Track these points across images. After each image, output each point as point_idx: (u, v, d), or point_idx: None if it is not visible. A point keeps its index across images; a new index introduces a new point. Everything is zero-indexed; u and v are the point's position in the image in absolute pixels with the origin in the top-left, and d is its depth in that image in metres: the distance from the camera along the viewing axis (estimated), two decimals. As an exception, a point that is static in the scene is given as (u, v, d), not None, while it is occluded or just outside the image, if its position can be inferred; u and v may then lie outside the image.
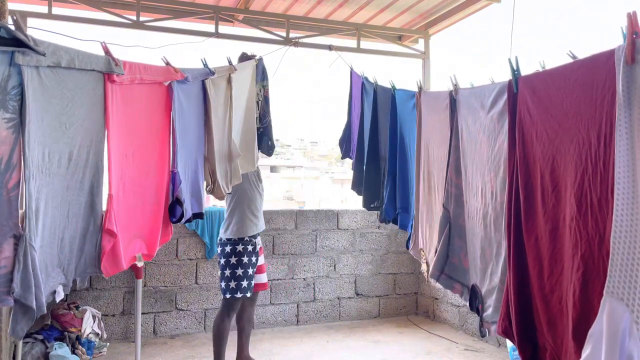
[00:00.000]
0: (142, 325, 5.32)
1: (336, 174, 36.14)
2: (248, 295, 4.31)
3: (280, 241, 6.20)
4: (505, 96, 2.70)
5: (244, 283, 4.23)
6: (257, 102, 4.80)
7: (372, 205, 5.05)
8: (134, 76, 3.04)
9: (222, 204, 5.51)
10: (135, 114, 3.14)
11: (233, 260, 4.23)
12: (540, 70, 2.58)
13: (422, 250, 3.77)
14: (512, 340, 2.58)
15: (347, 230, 6.52)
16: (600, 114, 2.06)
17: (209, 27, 6.11)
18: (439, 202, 3.42)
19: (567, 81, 2.26)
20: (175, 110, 3.43)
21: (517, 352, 2.61)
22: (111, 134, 2.86)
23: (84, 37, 4.32)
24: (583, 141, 2.15)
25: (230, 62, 4.19)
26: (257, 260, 4.37)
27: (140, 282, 4.75)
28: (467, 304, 3.09)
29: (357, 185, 5.34)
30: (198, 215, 3.72)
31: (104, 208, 2.86)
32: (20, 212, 2.29)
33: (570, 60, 2.31)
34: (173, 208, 3.45)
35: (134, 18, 5.66)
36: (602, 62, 2.04)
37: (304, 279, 6.30)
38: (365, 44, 6.67)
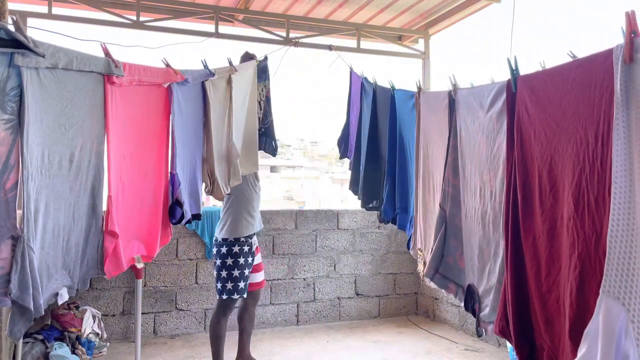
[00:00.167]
0: (142, 325, 5.32)
1: (336, 174, 36.12)
2: (244, 295, 4.31)
3: (280, 241, 6.20)
4: (504, 96, 2.70)
5: (241, 284, 4.23)
6: (260, 102, 4.80)
7: (370, 205, 5.05)
8: (134, 78, 3.04)
9: (221, 204, 5.51)
10: (135, 116, 3.14)
11: (229, 261, 4.23)
12: (540, 70, 2.58)
13: (420, 250, 3.77)
14: (509, 339, 2.58)
15: (347, 230, 6.52)
16: (598, 113, 2.06)
17: (209, 27, 6.12)
18: (437, 202, 3.42)
19: (565, 80, 2.26)
20: (175, 112, 3.43)
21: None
22: (111, 136, 2.86)
23: (84, 37, 4.33)
24: (581, 140, 2.15)
25: (230, 63, 4.19)
26: (253, 260, 4.37)
27: (140, 282, 4.76)
28: (462, 304, 3.09)
29: (354, 185, 5.35)
30: (196, 217, 3.72)
31: (104, 209, 2.87)
32: (19, 213, 2.29)
33: (570, 60, 2.31)
34: (173, 209, 3.45)
35: (134, 18, 5.66)
36: (601, 62, 2.04)
37: (304, 279, 6.30)
38: (365, 44, 6.68)
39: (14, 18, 2.23)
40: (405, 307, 6.75)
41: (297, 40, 6.24)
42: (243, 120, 4.38)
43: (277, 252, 6.18)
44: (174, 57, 3.47)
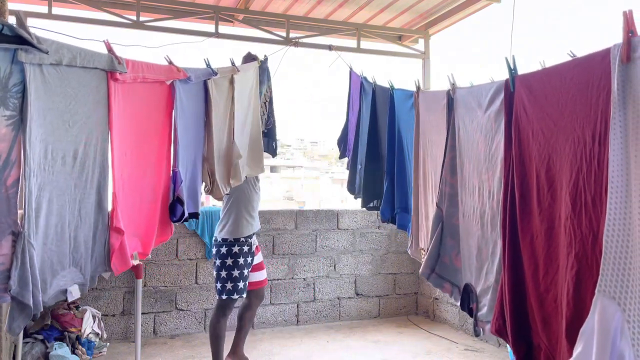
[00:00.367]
0: (142, 325, 5.32)
1: (336, 174, 36.10)
2: (244, 295, 4.31)
3: (280, 241, 6.20)
4: (502, 95, 2.70)
5: (240, 284, 4.24)
6: (265, 104, 4.82)
7: (370, 205, 5.05)
8: (137, 74, 3.05)
9: (221, 204, 5.52)
10: (137, 113, 3.16)
11: (229, 261, 4.23)
12: (538, 69, 2.58)
13: (422, 249, 3.77)
14: (505, 339, 2.58)
15: (347, 230, 6.52)
16: (595, 112, 2.06)
17: (209, 27, 6.12)
18: (435, 202, 3.43)
19: (563, 80, 2.26)
20: (177, 110, 3.44)
21: (516, 352, 2.61)
22: (114, 132, 2.88)
23: (84, 37, 4.33)
24: (578, 140, 2.16)
25: (233, 63, 4.21)
26: (252, 260, 4.38)
27: (140, 282, 4.76)
28: (458, 303, 3.10)
29: (351, 185, 5.35)
30: (193, 215, 3.72)
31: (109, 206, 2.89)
32: (20, 209, 2.30)
33: (568, 59, 2.31)
34: (174, 207, 3.45)
35: (134, 18, 5.67)
36: (598, 61, 2.04)
37: (304, 279, 6.30)
38: (365, 44, 6.67)
39: (18, 15, 2.23)
40: (405, 307, 6.75)
41: (297, 40, 6.24)
42: (247, 121, 4.39)
43: (277, 252, 6.18)
44: (174, 57, 3.48)
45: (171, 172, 3.44)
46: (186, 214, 3.53)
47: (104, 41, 2.84)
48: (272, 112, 4.96)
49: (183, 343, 5.51)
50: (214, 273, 4.33)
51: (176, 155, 3.44)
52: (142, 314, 5.45)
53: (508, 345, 4.55)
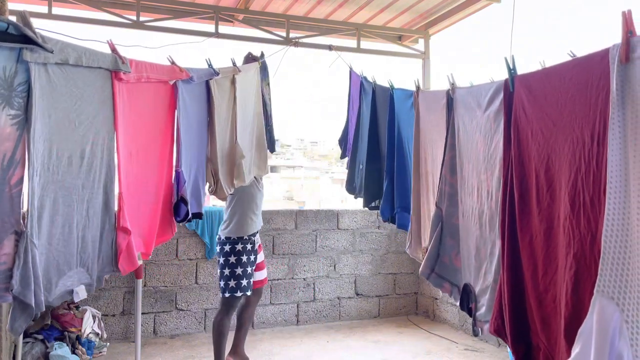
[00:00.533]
0: (142, 325, 5.32)
1: (336, 174, 36.08)
2: (248, 293, 4.32)
3: (280, 241, 6.20)
4: (501, 95, 2.70)
5: (244, 282, 4.25)
6: (269, 99, 4.83)
7: (372, 205, 5.05)
8: (140, 74, 3.06)
9: (221, 204, 5.52)
10: (141, 112, 3.17)
11: (232, 259, 4.24)
12: (537, 69, 2.58)
13: (424, 248, 3.77)
14: (504, 339, 2.58)
15: (347, 230, 6.53)
16: (594, 112, 2.06)
17: (209, 27, 6.12)
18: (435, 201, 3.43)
19: (562, 80, 2.26)
20: (180, 109, 3.45)
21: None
22: (119, 132, 2.89)
23: (84, 37, 4.33)
24: (577, 140, 2.16)
25: (234, 63, 4.22)
26: (255, 258, 4.40)
27: (140, 282, 4.76)
28: (457, 303, 3.10)
29: (349, 184, 5.35)
30: (197, 215, 3.73)
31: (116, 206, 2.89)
32: (23, 209, 2.30)
33: (568, 59, 2.31)
34: (178, 207, 3.45)
35: (134, 18, 5.67)
36: (597, 61, 2.04)
37: (304, 279, 6.30)
38: (365, 44, 6.68)
39: (23, 14, 2.23)
40: (405, 307, 6.75)
41: (297, 40, 6.24)
42: (250, 121, 4.40)
43: (277, 252, 6.18)
44: (174, 57, 3.49)
45: (174, 172, 3.44)
46: (190, 214, 3.54)
47: (107, 41, 2.85)
48: (270, 108, 4.96)
49: (183, 343, 5.52)
50: (218, 271, 4.34)
51: (179, 155, 3.45)
52: (142, 314, 5.45)
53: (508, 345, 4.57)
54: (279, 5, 6.08)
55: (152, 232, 3.35)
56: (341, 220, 6.50)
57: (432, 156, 3.61)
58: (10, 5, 3.81)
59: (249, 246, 4.31)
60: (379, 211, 4.87)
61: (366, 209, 5.27)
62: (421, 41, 6.94)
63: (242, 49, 4.78)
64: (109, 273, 2.86)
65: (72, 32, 4.37)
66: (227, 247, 4.27)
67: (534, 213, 2.41)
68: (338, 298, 6.45)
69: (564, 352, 2.10)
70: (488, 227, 2.81)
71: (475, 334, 2.92)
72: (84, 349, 4.76)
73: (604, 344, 1.78)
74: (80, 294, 2.64)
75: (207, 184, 3.87)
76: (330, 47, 6.35)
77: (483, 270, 2.85)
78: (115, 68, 2.79)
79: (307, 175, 37.27)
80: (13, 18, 2.26)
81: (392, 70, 6.50)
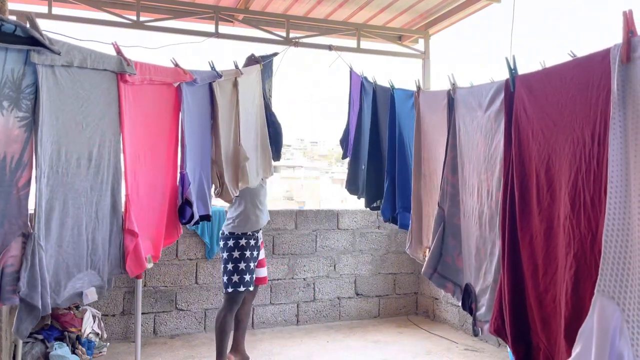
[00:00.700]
0: (142, 325, 5.32)
1: (336, 174, 36.05)
2: (251, 288, 4.35)
3: (280, 241, 6.20)
4: (502, 95, 2.70)
5: (247, 277, 4.27)
6: (270, 98, 4.84)
7: (374, 205, 5.05)
8: (145, 76, 3.07)
9: (222, 204, 5.52)
10: (146, 114, 3.17)
11: (236, 254, 4.27)
12: (538, 69, 2.58)
13: (427, 248, 3.76)
14: (504, 339, 2.58)
15: (347, 230, 6.52)
16: (595, 112, 2.06)
17: (209, 27, 6.12)
18: (436, 201, 3.43)
19: (563, 80, 2.26)
20: (184, 112, 3.46)
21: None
22: (125, 134, 2.89)
23: (85, 37, 4.33)
24: (578, 140, 2.16)
25: (236, 66, 4.23)
26: (258, 254, 4.43)
27: (140, 282, 4.75)
28: (460, 303, 3.10)
29: (350, 184, 5.35)
30: (204, 217, 3.73)
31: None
32: (30, 211, 2.29)
33: (569, 59, 2.31)
34: (183, 209, 3.46)
35: (134, 18, 5.67)
36: (598, 61, 2.04)
37: (304, 279, 6.30)
38: (365, 44, 6.68)
39: (30, 16, 2.24)
40: (405, 307, 6.74)
41: (297, 40, 6.24)
42: (253, 123, 4.41)
43: (277, 252, 6.18)
44: (174, 57, 3.49)
45: (179, 174, 3.45)
46: (196, 216, 3.54)
47: (112, 43, 2.86)
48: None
49: (183, 343, 5.51)
50: (221, 267, 4.37)
51: (183, 157, 3.46)
52: (142, 314, 5.45)
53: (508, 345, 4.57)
54: (279, 5, 6.07)
55: (160, 234, 3.36)
56: (341, 220, 6.50)
57: (433, 156, 3.61)
58: (10, 5, 3.81)
59: (252, 242, 4.35)
60: (379, 211, 4.88)
61: (366, 208, 5.27)
62: (421, 41, 6.94)
63: (242, 49, 4.79)
64: (117, 275, 2.87)
65: (72, 33, 4.36)
66: (230, 242, 4.29)
67: (534, 213, 2.41)
68: (338, 298, 6.45)
69: (564, 351, 2.10)
70: (488, 227, 2.81)
71: (476, 334, 2.92)
72: (84, 349, 4.75)
73: (604, 343, 1.77)
74: (90, 296, 2.65)
75: (213, 186, 3.89)
76: (330, 47, 6.35)
77: (483, 270, 2.85)
78: (120, 70, 2.80)
79: (307, 175, 37.24)
80: (13, 18, 2.27)
81: (392, 70, 6.49)
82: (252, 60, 4.64)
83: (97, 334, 5.01)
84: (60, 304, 2.50)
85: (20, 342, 4.20)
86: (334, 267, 6.44)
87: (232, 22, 6.22)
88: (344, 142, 5.81)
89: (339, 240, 6.47)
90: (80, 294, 2.60)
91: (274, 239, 6.16)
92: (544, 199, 2.36)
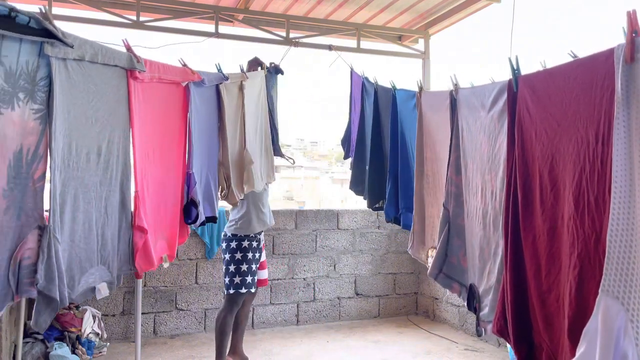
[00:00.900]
0: (142, 325, 5.31)
1: (336, 174, 36.04)
2: (252, 290, 4.35)
3: (280, 241, 6.19)
4: (505, 95, 2.69)
5: (249, 278, 4.27)
6: (275, 104, 4.85)
7: (376, 206, 5.05)
8: (154, 74, 3.08)
9: (222, 204, 5.52)
10: (156, 112, 3.18)
11: (238, 255, 4.27)
12: (541, 70, 2.58)
13: (433, 248, 3.75)
14: (507, 339, 2.58)
15: (347, 230, 6.52)
16: (599, 112, 2.05)
17: (209, 27, 6.12)
18: (441, 202, 3.42)
19: (566, 80, 2.26)
20: (192, 112, 3.46)
21: (517, 352, 2.60)
22: (135, 131, 2.90)
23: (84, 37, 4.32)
24: (581, 140, 2.15)
25: (242, 70, 4.24)
26: (260, 256, 4.43)
27: (140, 282, 4.75)
28: (465, 303, 3.10)
29: (355, 185, 5.34)
30: (211, 219, 3.73)
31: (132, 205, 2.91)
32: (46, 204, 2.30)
33: (571, 60, 2.31)
34: (188, 209, 3.45)
35: (134, 18, 5.66)
36: (602, 61, 2.04)
37: (304, 279, 6.30)
38: (365, 44, 6.67)
39: (43, 9, 2.23)
40: (405, 307, 6.74)
41: (297, 40, 6.23)
42: (258, 128, 4.42)
43: (277, 252, 6.17)
44: (173, 57, 3.49)
45: (186, 173, 3.46)
46: (201, 218, 3.54)
47: (123, 40, 2.87)
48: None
49: (183, 343, 5.51)
50: (223, 268, 4.37)
51: (190, 157, 3.46)
52: (142, 314, 5.45)
53: (508, 345, 4.57)
54: (279, 5, 6.07)
55: (174, 234, 3.38)
56: (341, 220, 6.49)
57: (436, 156, 3.61)
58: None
59: (254, 244, 4.36)
60: (381, 211, 4.87)
61: (366, 208, 5.26)
62: (421, 41, 6.94)
63: (242, 49, 4.79)
64: (126, 272, 2.87)
65: (71, 33, 4.37)
66: (233, 244, 4.29)
67: (538, 213, 2.41)
68: (338, 298, 6.44)
69: (567, 351, 2.10)
70: (492, 228, 2.81)
71: (479, 334, 2.92)
72: (84, 349, 4.75)
73: (608, 343, 1.77)
74: (103, 291, 2.65)
75: (220, 187, 3.89)
76: (330, 47, 6.35)
77: (487, 270, 2.85)
78: (130, 66, 2.81)
79: (307, 175, 37.22)
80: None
81: (392, 70, 6.49)
82: (255, 63, 4.63)
83: (97, 334, 5.00)
84: (75, 299, 2.50)
85: (20, 342, 4.20)
86: (334, 267, 6.43)
87: (232, 22, 6.22)
88: (345, 142, 5.80)
89: (339, 240, 6.47)
90: (93, 289, 2.61)
91: (274, 239, 6.15)
92: (547, 199, 2.36)
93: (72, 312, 4.92)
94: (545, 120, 2.39)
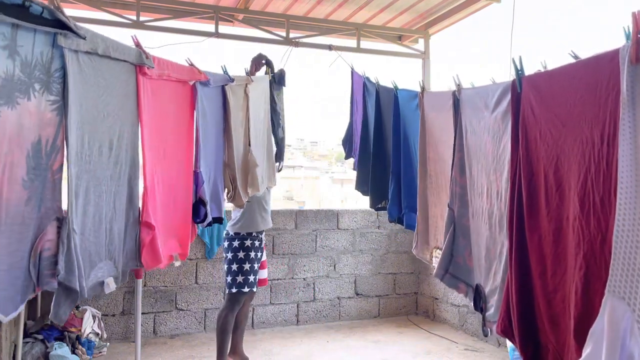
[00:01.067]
0: (142, 325, 5.31)
1: (336, 174, 36.09)
2: (254, 289, 4.35)
3: (280, 241, 6.19)
4: (509, 96, 2.69)
5: (251, 278, 4.28)
6: (281, 109, 4.84)
7: (379, 206, 5.04)
8: (162, 71, 3.08)
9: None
10: (164, 109, 3.19)
11: (241, 254, 4.28)
12: (542, 70, 2.57)
13: (437, 248, 3.75)
14: (511, 340, 2.57)
15: (347, 230, 6.52)
16: (604, 113, 2.05)
17: (209, 27, 6.11)
18: (445, 202, 3.42)
19: (571, 81, 2.26)
20: (198, 111, 3.47)
21: (517, 352, 2.60)
22: (144, 128, 2.90)
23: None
24: (587, 140, 2.15)
25: (247, 73, 4.25)
26: (261, 255, 4.43)
27: (140, 282, 4.74)
28: (471, 303, 3.09)
29: (361, 185, 5.33)
30: (217, 220, 3.72)
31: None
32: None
33: (572, 60, 2.31)
34: (197, 208, 3.45)
35: (134, 18, 5.66)
36: (607, 62, 2.04)
37: (304, 279, 6.29)
38: (365, 43, 6.67)
39: (55, 1, 2.23)
40: (405, 307, 6.74)
41: (297, 40, 6.23)
42: (261, 132, 4.43)
43: (277, 252, 6.17)
44: (173, 57, 3.48)
45: (193, 172, 3.46)
46: (209, 217, 3.53)
47: (132, 37, 2.87)
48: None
49: (183, 343, 5.50)
50: (225, 267, 4.38)
51: (197, 156, 3.46)
52: (142, 314, 5.44)
53: (508, 345, 4.57)
54: (279, 5, 6.07)
55: (186, 232, 3.38)
56: (341, 220, 6.49)
57: (439, 156, 3.61)
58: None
59: (256, 243, 4.37)
60: (383, 212, 4.86)
61: (366, 208, 5.26)
62: (421, 41, 6.94)
63: (242, 49, 4.78)
64: (133, 268, 2.86)
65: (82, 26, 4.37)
66: (235, 243, 4.30)
67: (543, 213, 2.41)
68: (338, 298, 6.44)
69: (574, 352, 2.10)
70: (498, 228, 2.81)
71: (485, 334, 2.92)
72: (84, 349, 4.74)
73: (615, 344, 1.77)
74: (111, 285, 2.65)
75: (226, 189, 3.89)
76: (330, 47, 6.35)
77: (493, 270, 2.85)
78: (139, 62, 2.81)
79: (307, 175, 37.22)
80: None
81: (393, 70, 6.49)
82: (259, 59, 4.61)
83: (97, 334, 5.00)
84: (87, 292, 2.49)
85: (20, 342, 4.19)
86: (334, 267, 6.43)
87: (232, 22, 6.21)
88: (346, 142, 5.79)
89: (339, 240, 6.47)
90: (102, 284, 2.60)
91: (274, 238, 6.15)
92: (552, 200, 2.35)
93: (72, 311, 4.92)
94: (550, 121, 2.39)
